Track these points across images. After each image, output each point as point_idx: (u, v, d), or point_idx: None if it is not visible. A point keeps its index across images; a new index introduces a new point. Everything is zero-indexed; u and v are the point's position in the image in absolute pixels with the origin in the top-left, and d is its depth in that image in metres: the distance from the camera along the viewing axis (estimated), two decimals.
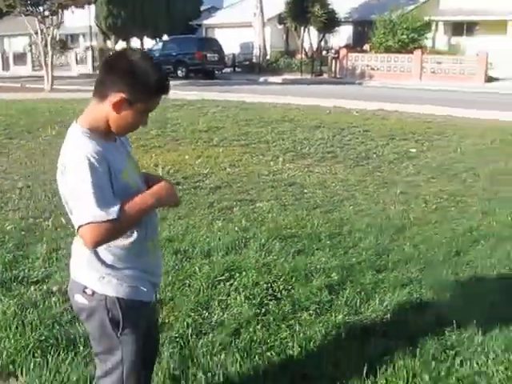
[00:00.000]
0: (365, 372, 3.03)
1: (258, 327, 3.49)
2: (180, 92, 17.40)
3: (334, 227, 5.42)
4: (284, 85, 26.92)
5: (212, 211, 5.90)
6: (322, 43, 34.97)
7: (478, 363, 3.17)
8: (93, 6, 37.26)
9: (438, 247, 4.94)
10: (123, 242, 2.10)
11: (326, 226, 5.43)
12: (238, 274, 4.22)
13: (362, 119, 13.27)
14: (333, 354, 3.24)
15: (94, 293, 2.11)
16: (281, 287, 4.05)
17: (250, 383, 2.99)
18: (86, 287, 2.13)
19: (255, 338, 3.37)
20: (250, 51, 35.92)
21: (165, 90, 2.04)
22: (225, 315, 3.63)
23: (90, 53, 40.74)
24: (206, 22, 43.13)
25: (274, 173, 7.82)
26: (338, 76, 31.24)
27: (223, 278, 4.17)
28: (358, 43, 34.91)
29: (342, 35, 35.30)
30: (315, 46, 34.25)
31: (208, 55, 29.98)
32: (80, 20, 40.77)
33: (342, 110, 15.18)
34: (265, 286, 4.05)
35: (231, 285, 4.06)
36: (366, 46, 33.22)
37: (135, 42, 42.76)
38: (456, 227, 5.53)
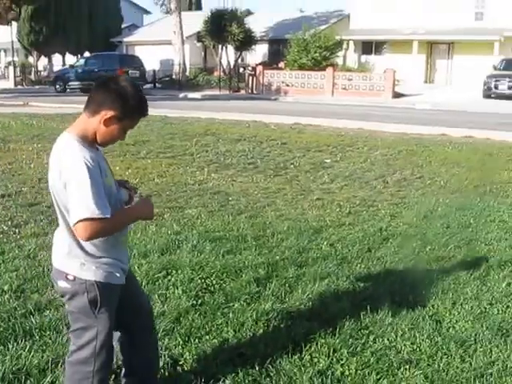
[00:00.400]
0: (292, 349, 3.41)
1: (196, 316, 3.82)
2: None
3: (258, 230, 5.79)
4: (204, 100, 27.15)
5: None
6: (239, 60, 35.42)
7: (388, 339, 3.60)
8: (15, 22, 36.43)
9: (352, 245, 5.38)
10: None
11: (251, 229, 5.80)
12: (174, 272, 4.53)
13: (280, 132, 13.75)
14: (263, 336, 3.60)
15: (75, 278, 2.44)
16: (214, 282, 4.39)
17: (193, 362, 3.29)
18: (68, 274, 2.45)
19: (194, 325, 3.69)
20: (170, 68, 35.84)
21: (146, 112, 2.46)
22: (165, 307, 3.93)
23: (11, 68, 39.80)
24: (126, 39, 42.89)
25: (200, 182, 8.10)
26: (254, 92, 31.82)
27: (161, 275, 4.47)
28: (273, 61, 35.63)
29: (259, 53, 35.91)
30: (232, 63, 34.66)
31: (130, 71, 29.86)
32: (1, 36, 39.69)
33: (260, 124, 15.61)
34: (199, 281, 4.39)
35: (169, 281, 4.38)
36: (281, 64, 33.95)
37: (57, 58, 41.95)
38: (368, 228, 6.00)
